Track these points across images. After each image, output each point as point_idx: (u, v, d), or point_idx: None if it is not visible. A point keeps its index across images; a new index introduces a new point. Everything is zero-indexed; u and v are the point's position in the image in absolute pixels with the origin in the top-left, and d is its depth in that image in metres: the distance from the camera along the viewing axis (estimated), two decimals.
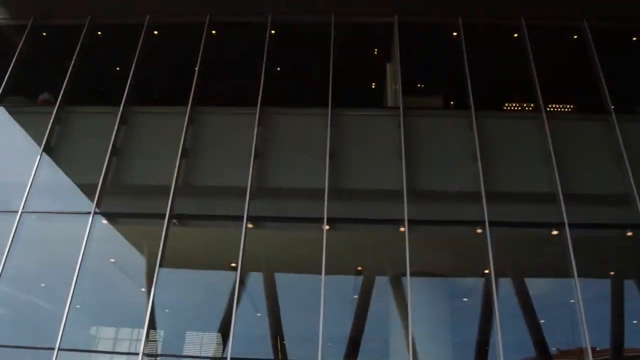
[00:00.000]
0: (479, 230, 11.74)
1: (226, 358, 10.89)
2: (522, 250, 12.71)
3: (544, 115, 13.02)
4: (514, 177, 12.62)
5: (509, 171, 12.65)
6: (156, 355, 11.80)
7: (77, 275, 11.57)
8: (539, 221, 12.13)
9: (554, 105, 13.91)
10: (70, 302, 11.31)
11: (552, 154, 12.36)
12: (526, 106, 14.31)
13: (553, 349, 12.04)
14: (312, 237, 12.07)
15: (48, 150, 13.19)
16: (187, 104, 13.45)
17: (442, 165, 12.80)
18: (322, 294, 11.15)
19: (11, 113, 14.27)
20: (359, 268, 12.89)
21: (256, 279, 12.65)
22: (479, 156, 12.37)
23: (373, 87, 15.57)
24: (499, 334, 10.88)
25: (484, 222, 11.64)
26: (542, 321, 11.99)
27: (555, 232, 11.91)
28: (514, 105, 14.74)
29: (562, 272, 11.99)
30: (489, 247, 11.43)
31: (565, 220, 11.64)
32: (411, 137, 12.81)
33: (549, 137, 12.59)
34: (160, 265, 11.61)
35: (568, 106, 14.48)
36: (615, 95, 13.41)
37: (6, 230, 12.12)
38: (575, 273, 11.18)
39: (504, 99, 14.58)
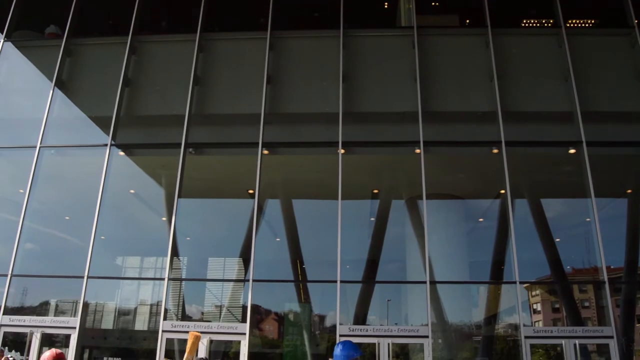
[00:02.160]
0: (495, 150, 11.65)
1: (248, 280, 11.28)
2: (539, 170, 12.63)
3: (564, 31, 12.54)
4: (531, 95, 12.38)
5: (526, 90, 12.40)
6: (180, 280, 12.21)
7: (99, 208, 11.82)
8: (557, 140, 12.02)
9: (573, 21, 13.38)
10: (95, 234, 11.63)
11: (571, 71, 12.01)
12: (545, 22, 13.79)
13: (568, 268, 12.21)
14: (328, 161, 12.07)
15: (60, 84, 13.11)
16: (197, 31, 13.17)
17: (458, 85, 12.55)
18: (339, 217, 11.31)
19: (19, 48, 14.12)
20: (375, 191, 12.96)
21: (274, 205, 12.82)
22: (495, 75, 12.06)
23: (385, 6, 15.01)
24: (515, 253, 11.03)
25: (500, 142, 11.53)
26: (557, 240, 12.09)
27: (572, 151, 11.80)
28: (532, 21, 14.18)
29: (579, 191, 12.01)
30: (505, 167, 11.39)
31: (583, 139, 11.48)
32: (425, 58, 12.48)
33: (567, 53, 12.20)
34: (179, 195, 11.79)
35: (589, 21, 13.92)
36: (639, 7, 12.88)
37: (26, 165, 12.32)
38: (592, 192, 11.16)
39: (522, 16, 14.02)
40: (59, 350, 4.56)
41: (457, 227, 12.91)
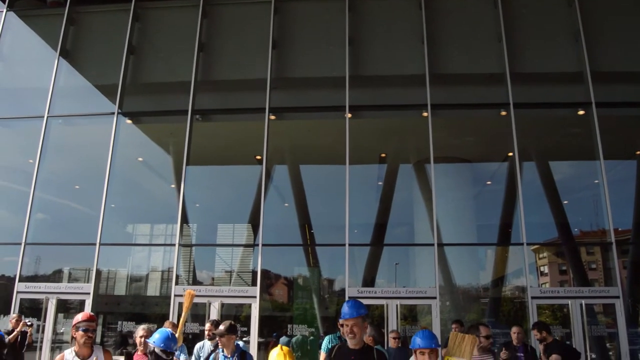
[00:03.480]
0: (503, 113, 11.57)
1: (258, 245, 11.42)
2: (547, 132, 12.53)
3: None
4: (540, 56, 12.18)
5: (535, 50, 12.20)
6: (191, 246, 12.37)
7: (109, 176, 11.92)
8: (565, 101, 11.91)
9: None
10: (105, 202, 11.76)
11: (581, 30, 11.79)
12: None
13: (575, 230, 12.23)
14: (335, 126, 12.05)
15: (64, 53, 13.06)
16: None
17: (466, 47, 12.37)
18: (347, 182, 11.36)
19: (22, 18, 14.01)
20: (383, 155, 12.95)
21: (282, 171, 12.88)
22: (503, 36, 11.87)
23: None
24: (522, 215, 11.07)
25: (509, 104, 11.43)
26: (565, 202, 12.08)
27: (581, 112, 11.69)
28: None
29: (587, 153, 11.97)
30: (513, 130, 11.33)
31: (593, 100, 11.35)
32: (433, 19, 12.27)
33: (578, 12, 11.95)
34: (188, 163, 11.85)
35: None
36: None
37: (34, 136, 12.38)
38: (601, 154, 11.10)
39: None
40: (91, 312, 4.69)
41: (465, 190, 12.93)
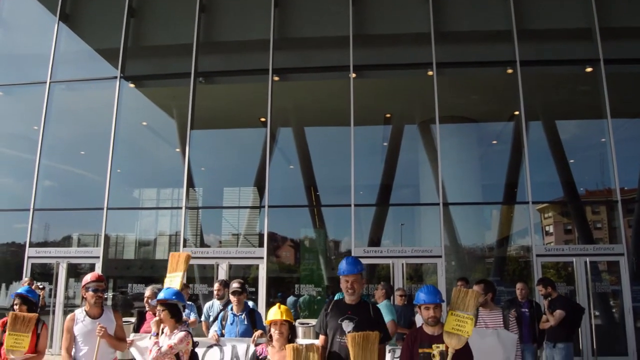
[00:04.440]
0: (510, 71, 11.41)
1: (264, 206, 11.48)
2: (554, 90, 12.36)
3: None
4: (547, 12, 11.90)
5: (542, 6, 11.90)
6: (197, 208, 12.45)
7: (114, 141, 11.94)
8: (573, 58, 11.71)
9: None
10: (111, 167, 11.81)
11: None
12: None
13: (581, 190, 12.21)
14: (340, 86, 11.91)
15: (64, 18, 12.88)
16: None
17: (471, 3, 12.09)
18: (352, 143, 11.34)
19: None
20: (388, 115, 12.84)
21: (286, 133, 12.83)
22: None
23: None
24: (528, 174, 11.05)
25: (515, 61, 11.27)
26: (571, 162, 12.02)
27: (589, 70, 11.52)
28: None
29: (594, 112, 11.86)
30: (519, 88, 11.20)
31: (601, 56, 11.16)
32: None
33: None
34: (192, 126, 11.84)
35: None
36: None
37: (38, 102, 12.35)
38: (608, 112, 10.99)
39: None
40: (100, 273, 4.75)
41: (470, 150, 12.85)
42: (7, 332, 4.28)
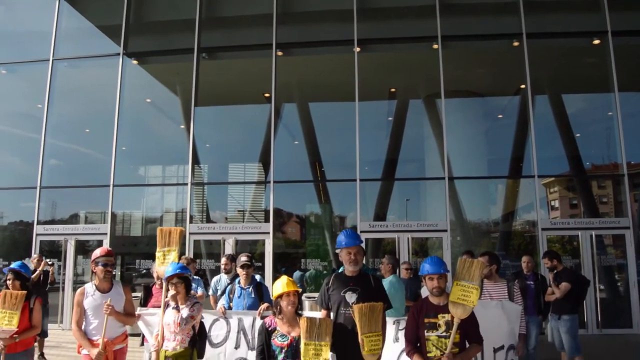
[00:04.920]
0: (516, 43, 11.29)
1: (269, 182, 11.51)
2: (561, 63, 12.22)
3: None
4: None
5: None
6: (203, 184, 12.49)
7: (118, 118, 11.94)
8: (580, 30, 11.54)
9: None
10: (116, 145, 11.83)
11: None
12: None
13: (587, 164, 12.16)
14: (344, 61, 11.83)
15: None
16: None
17: None
18: (357, 118, 11.31)
19: None
20: (393, 90, 12.74)
21: (291, 109, 12.76)
22: None
23: None
24: (534, 148, 11.01)
25: (521, 34, 11.14)
26: (577, 135, 11.94)
27: (596, 42, 11.37)
28: None
29: (601, 85, 11.73)
30: (525, 61, 11.09)
31: (609, 28, 11.02)
32: None
33: None
34: (196, 102, 11.80)
35: None
36: None
37: (41, 80, 12.33)
38: (615, 85, 10.90)
39: None
40: (109, 248, 4.78)
41: (476, 124, 12.79)
42: None
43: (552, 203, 12.10)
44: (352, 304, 3.75)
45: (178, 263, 4.26)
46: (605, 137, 11.85)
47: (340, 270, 4.20)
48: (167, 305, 4.15)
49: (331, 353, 3.87)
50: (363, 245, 4.10)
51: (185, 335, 4.00)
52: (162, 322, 4.08)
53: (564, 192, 12.18)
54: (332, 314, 3.94)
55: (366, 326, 3.57)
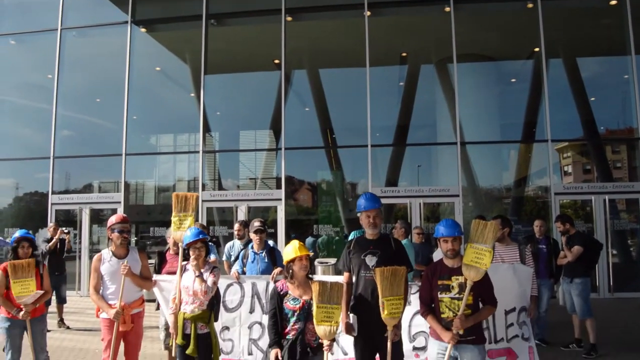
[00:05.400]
0: (530, 5, 11.04)
1: (280, 148, 11.51)
2: (576, 25, 11.90)
3: None
4: None
5: None
6: (214, 152, 12.53)
7: (128, 87, 11.94)
8: None
9: None
10: (127, 114, 11.85)
11: None
12: None
13: (602, 129, 12.00)
14: (354, 25, 11.64)
15: None
16: None
17: None
18: (368, 84, 11.21)
19: None
20: (404, 54, 12.54)
21: (301, 76, 12.66)
22: None
23: None
24: (547, 112, 10.88)
25: None
26: (592, 99, 11.74)
27: (613, 2, 11.09)
28: None
29: (617, 47, 11.50)
30: (540, 23, 10.87)
31: None
32: None
33: None
34: (206, 70, 11.76)
35: None
36: None
37: (50, 50, 12.32)
38: (632, 47, 10.69)
39: None
40: (124, 214, 4.83)
41: (488, 89, 12.62)
42: (11, 281, 4.42)
43: (565, 168, 12.02)
44: (372, 267, 3.77)
45: (197, 228, 4.28)
46: (621, 101, 11.69)
47: (358, 234, 4.21)
48: (183, 269, 4.20)
49: (352, 315, 3.93)
50: (382, 208, 4.09)
51: (204, 299, 4.07)
52: (179, 285, 4.13)
53: (577, 157, 12.08)
54: (353, 277, 3.97)
55: (387, 289, 3.60)
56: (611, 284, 10.31)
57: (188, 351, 3.98)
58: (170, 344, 4.24)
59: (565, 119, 11.65)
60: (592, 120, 11.72)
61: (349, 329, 3.92)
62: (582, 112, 11.74)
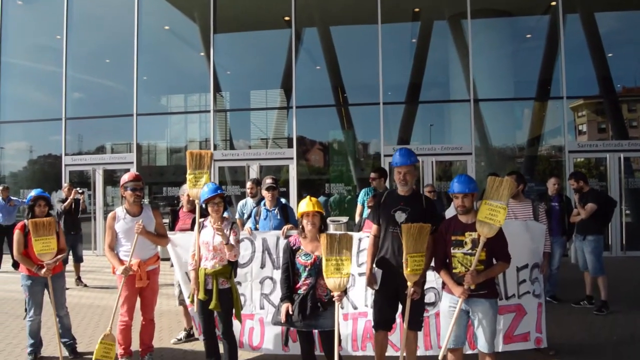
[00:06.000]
0: None
1: (292, 107, 11.44)
2: None
3: None
4: None
5: None
6: (225, 111, 12.49)
7: (137, 47, 11.84)
8: None
9: None
10: (137, 74, 11.78)
11: None
12: None
13: (618, 87, 11.75)
14: None
15: None
16: None
17: None
18: (380, 41, 11.03)
19: None
20: (416, 10, 12.22)
21: (312, 34, 12.45)
22: None
23: None
24: (563, 68, 10.68)
25: None
26: (609, 56, 11.45)
27: None
28: None
29: (636, 2, 11.29)
30: None
31: None
32: None
33: None
34: (215, 29, 11.60)
35: None
36: None
37: (58, 10, 12.19)
38: None
39: None
40: (137, 172, 4.84)
41: (503, 45, 12.33)
42: (32, 239, 4.47)
43: (580, 127, 11.86)
44: (401, 223, 3.74)
45: (214, 184, 4.29)
46: (638, 59, 11.41)
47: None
48: (201, 225, 4.23)
49: (376, 269, 3.95)
50: (417, 164, 4.02)
51: (224, 254, 4.10)
52: (197, 241, 4.17)
53: (592, 115, 11.89)
54: (381, 231, 3.95)
55: (412, 246, 3.59)
56: (624, 242, 10.29)
57: (211, 306, 4.04)
58: (191, 300, 4.30)
59: (581, 76, 11.44)
60: (608, 77, 11.47)
61: (371, 281, 3.94)
62: (598, 69, 11.48)
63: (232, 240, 4.09)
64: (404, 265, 3.61)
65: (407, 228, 3.60)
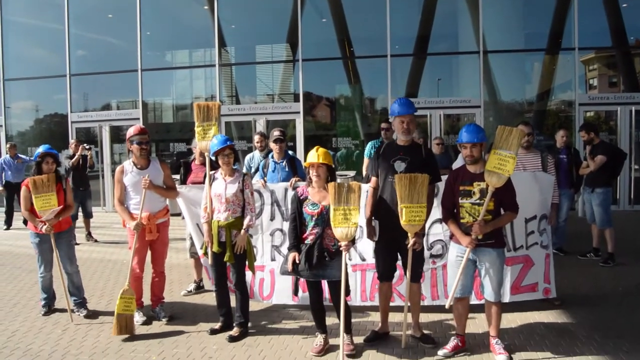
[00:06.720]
0: None
1: (298, 60, 11.28)
2: None
3: None
4: None
5: None
6: (231, 65, 12.34)
7: (140, 1, 11.69)
8: None
9: None
10: (141, 30, 11.64)
11: None
12: None
13: (631, 39, 11.44)
14: None
15: None
16: None
17: None
18: None
19: None
20: None
21: None
22: None
23: None
24: (576, 21, 10.42)
25: None
26: (624, 6, 11.12)
27: None
28: None
29: None
30: None
31: None
32: None
33: None
34: None
35: None
36: None
37: None
38: None
39: None
40: (142, 126, 4.81)
41: None
42: (33, 196, 4.47)
43: (591, 82, 11.65)
44: (400, 172, 3.72)
45: (223, 135, 4.26)
46: None
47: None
48: (212, 177, 4.23)
49: (376, 220, 3.96)
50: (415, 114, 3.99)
51: (236, 206, 4.12)
52: (209, 194, 4.18)
53: (603, 69, 11.65)
54: (380, 182, 3.94)
55: (406, 197, 3.58)
56: (632, 196, 10.26)
57: (225, 258, 4.08)
58: (203, 251, 4.34)
59: (593, 27, 11.14)
60: (622, 28, 11.16)
61: (370, 234, 3.97)
62: (611, 20, 11.17)
63: (246, 193, 4.09)
64: (400, 215, 3.60)
65: (399, 178, 3.60)
